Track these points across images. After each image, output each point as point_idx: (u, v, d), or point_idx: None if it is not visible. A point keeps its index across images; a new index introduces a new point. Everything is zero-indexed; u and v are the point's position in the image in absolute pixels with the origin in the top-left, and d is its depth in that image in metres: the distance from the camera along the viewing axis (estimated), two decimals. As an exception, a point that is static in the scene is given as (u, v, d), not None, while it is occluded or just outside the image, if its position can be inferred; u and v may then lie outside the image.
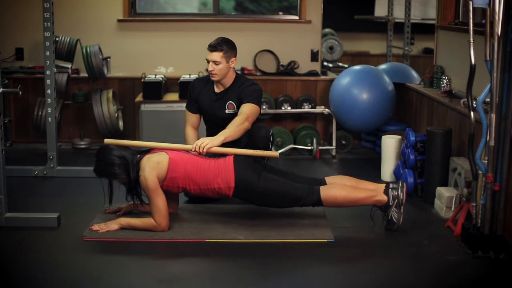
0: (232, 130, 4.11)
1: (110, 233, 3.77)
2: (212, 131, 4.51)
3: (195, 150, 3.95)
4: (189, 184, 3.87)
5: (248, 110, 4.25)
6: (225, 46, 4.30)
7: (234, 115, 4.32)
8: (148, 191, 3.77)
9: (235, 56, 4.37)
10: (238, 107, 4.36)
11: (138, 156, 3.87)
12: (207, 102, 4.48)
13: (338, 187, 3.88)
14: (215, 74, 4.32)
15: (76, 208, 4.28)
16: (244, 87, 4.37)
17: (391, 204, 3.83)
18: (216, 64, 4.30)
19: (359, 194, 3.84)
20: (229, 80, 4.41)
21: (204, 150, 3.94)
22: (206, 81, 4.55)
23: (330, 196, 3.83)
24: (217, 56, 4.28)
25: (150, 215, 3.87)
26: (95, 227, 3.82)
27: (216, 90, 4.46)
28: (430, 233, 3.90)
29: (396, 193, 3.82)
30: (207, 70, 6.12)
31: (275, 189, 3.84)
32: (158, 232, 3.77)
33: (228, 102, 4.41)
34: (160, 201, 3.76)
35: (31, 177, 5.02)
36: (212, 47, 4.30)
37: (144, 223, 3.81)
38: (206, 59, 4.34)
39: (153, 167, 3.79)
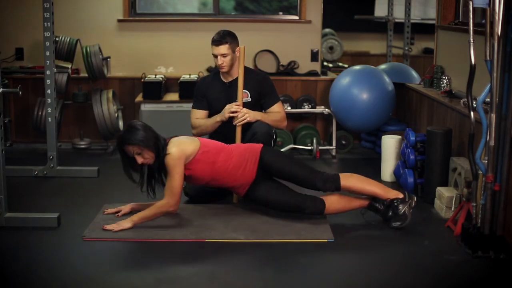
0: (271, 120, 4.46)
1: (110, 233, 3.76)
2: (221, 126, 4.48)
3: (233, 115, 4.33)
4: (223, 154, 3.95)
5: (282, 109, 4.58)
6: (229, 37, 4.44)
7: (246, 104, 4.45)
8: (169, 166, 3.77)
9: (238, 45, 4.48)
10: (252, 97, 4.50)
11: (167, 139, 3.91)
12: (217, 94, 4.52)
13: (356, 177, 4.05)
14: (225, 66, 4.45)
15: (76, 208, 4.27)
16: (261, 80, 4.55)
17: (407, 200, 3.92)
18: (224, 57, 4.42)
19: (376, 185, 4.01)
20: (237, 70, 4.51)
21: (244, 122, 4.34)
22: (211, 77, 4.67)
23: (348, 178, 3.99)
24: (224, 48, 4.40)
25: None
26: (108, 227, 3.80)
27: (225, 80, 4.55)
28: (430, 233, 3.90)
29: (411, 194, 4.00)
30: (207, 69, 6.17)
31: (296, 166, 4.03)
32: (158, 232, 3.77)
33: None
34: (177, 178, 3.77)
35: (31, 177, 5.02)
36: (217, 41, 4.42)
37: (153, 210, 3.81)
38: (213, 54, 4.43)
39: (182, 141, 3.89)
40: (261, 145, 4.07)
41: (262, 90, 4.53)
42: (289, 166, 4.03)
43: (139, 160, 3.80)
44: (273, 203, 3.99)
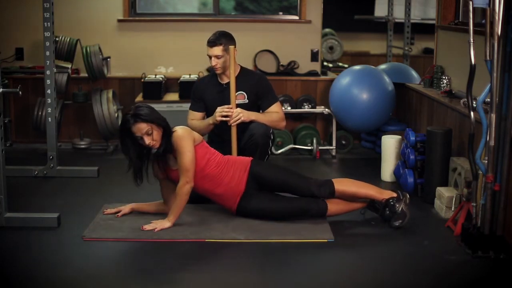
0: (267, 120, 4.42)
1: (110, 233, 3.76)
2: (217, 127, 4.48)
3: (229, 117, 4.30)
4: (218, 158, 3.97)
5: (280, 109, 4.54)
6: (224, 39, 4.39)
7: (243, 105, 4.43)
8: (178, 143, 3.77)
9: (235, 46, 4.43)
10: (249, 98, 4.48)
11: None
12: (214, 95, 4.51)
13: (349, 180, 4.08)
14: (218, 67, 4.42)
15: (76, 208, 4.27)
16: (258, 81, 4.51)
17: (401, 198, 3.93)
18: (218, 58, 4.39)
19: (369, 187, 4.02)
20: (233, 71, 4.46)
21: (238, 122, 4.31)
22: (209, 78, 4.65)
23: (341, 181, 4.02)
24: (217, 50, 4.37)
25: (151, 216, 3.94)
26: (148, 227, 3.78)
27: (222, 82, 4.53)
28: (430, 233, 3.90)
29: (403, 192, 4.00)
30: (207, 69, 6.16)
31: (288, 174, 4.05)
32: (158, 232, 3.76)
33: (238, 93, 4.44)
34: (188, 154, 3.77)
35: (31, 177, 5.02)
36: (212, 43, 4.39)
37: (178, 198, 3.81)
38: (208, 55, 4.40)
39: (187, 127, 3.95)
40: (251, 158, 4.08)
41: (259, 91, 4.51)
42: (281, 174, 4.03)
43: (147, 140, 3.76)
44: (274, 211, 3.95)
